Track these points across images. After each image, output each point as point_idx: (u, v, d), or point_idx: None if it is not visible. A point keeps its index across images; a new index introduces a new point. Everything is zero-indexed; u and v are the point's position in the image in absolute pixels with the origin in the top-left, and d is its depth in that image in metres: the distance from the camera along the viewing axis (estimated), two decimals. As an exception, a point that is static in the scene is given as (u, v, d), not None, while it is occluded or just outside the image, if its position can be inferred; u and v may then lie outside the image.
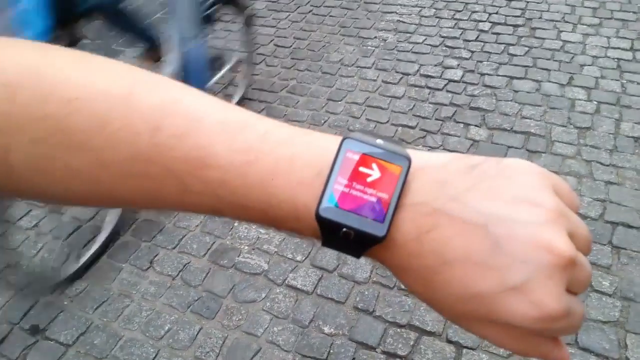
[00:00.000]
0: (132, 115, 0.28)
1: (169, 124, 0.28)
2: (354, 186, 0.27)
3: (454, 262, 0.26)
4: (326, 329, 1.54)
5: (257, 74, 2.64)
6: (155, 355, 1.52)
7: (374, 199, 0.27)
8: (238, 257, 1.77)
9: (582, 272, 0.26)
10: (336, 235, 0.28)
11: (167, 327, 1.58)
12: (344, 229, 0.27)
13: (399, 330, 1.52)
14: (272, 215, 0.29)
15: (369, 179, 0.27)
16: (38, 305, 1.67)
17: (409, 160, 0.28)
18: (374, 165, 0.28)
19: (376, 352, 1.48)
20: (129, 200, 0.30)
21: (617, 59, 2.48)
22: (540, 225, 0.25)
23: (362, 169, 0.28)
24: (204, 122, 0.29)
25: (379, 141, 0.29)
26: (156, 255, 1.80)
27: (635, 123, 2.13)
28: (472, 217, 0.26)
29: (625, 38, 2.61)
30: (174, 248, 1.82)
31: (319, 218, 0.27)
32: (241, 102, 2.47)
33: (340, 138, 0.29)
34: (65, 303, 1.67)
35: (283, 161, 0.28)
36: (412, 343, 1.48)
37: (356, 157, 0.28)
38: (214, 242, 1.82)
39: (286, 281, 1.68)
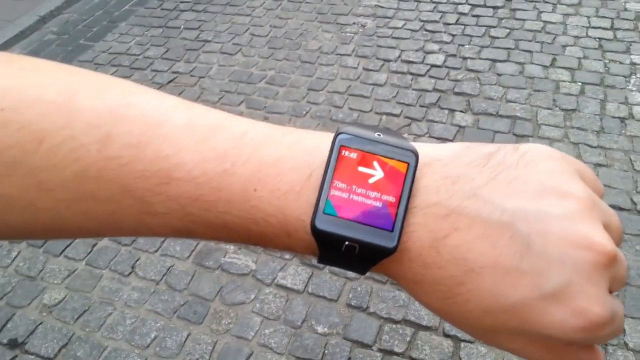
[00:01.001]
0: (75, 124, 0.23)
1: (121, 131, 0.23)
2: (354, 190, 0.24)
3: (479, 270, 0.22)
4: (319, 329, 1.50)
5: (234, 65, 2.56)
6: (142, 365, 1.46)
7: (379, 204, 0.23)
8: (224, 257, 1.71)
9: (622, 269, 0.23)
10: (337, 251, 0.24)
11: (153, 335, 1.52)
12: (347, 243, 0.23)
13: (394, 326, 1.48)
14: (257, 232, 0.24)
15: (371, 180, 0.24)
16: (15, 317, 1.59)
17: (415, 154, 0.24)
18: (375, 164, 0.24)
19: (372, 350, 1.44)
20: (78, 229, 0.25)
21: (599, 38, 2.47)
22: (574, 219, 0.22)
23: (361, 168, 0.24)
24: (166, 127, 0.24)
25: (378, 134, 0.25)
26: (137, 260, 1.72)
27: (620, 103, 2.11)
28: (495, 216, 0.22)
29: (605, 17, 2.60)
30: (155, 251, 1.75)
31: (316, 231, 0.23)
32: (218, 96, 2.39)
33: (331, 135, 0.25)
34: (44, 314, 1.59)
35: (266, 167, 0.24)
36: (408, 339, 1.45)
37: (354, 155, 0.24)
38: (197, 243, 1.76)
39: (275, 281, 1.63)
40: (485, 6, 2.78)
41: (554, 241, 0.22)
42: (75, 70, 0.25)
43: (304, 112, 2.25)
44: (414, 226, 0.23)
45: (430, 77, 2.36)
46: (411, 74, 2.39)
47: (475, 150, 0.25)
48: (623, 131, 1.99)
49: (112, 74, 2.40)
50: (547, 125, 2.06)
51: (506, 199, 0.23)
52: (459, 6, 2.80)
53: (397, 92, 2.30)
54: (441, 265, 0.23)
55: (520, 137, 2.01)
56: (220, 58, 2.63)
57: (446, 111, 2.18)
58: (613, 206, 1.73)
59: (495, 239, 0.22)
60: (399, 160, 0.24)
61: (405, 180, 0.24)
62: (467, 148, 0.25)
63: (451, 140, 2.00)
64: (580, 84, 2.23)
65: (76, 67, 0.26)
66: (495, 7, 2.76)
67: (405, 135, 2.07)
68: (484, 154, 0.24)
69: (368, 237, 0.23)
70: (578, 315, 0.22)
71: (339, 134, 0.24)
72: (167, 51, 2.72)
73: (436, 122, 2.13)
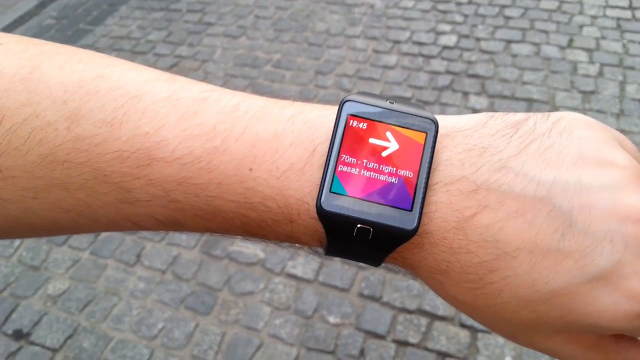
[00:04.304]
0: (39, 100, 0.20)
1: (92, 107, 0.20)
2: (366, 165, 0.21)
3: (514, 253, 0.20)
4: (331, 319, 1.45)
5: (238, 49, 2.49)
6: (150, 356, 1.42)
7: (394, 180, 0.21)
8: (231, 246, 1.66)
9: None
10: (348, 236, 0.21)
11: (160, 326, 1.48)
12: (359, 225, 0.20)
13: (408, 316, 1.43)
14: (254, 219, 0.21)
15: (385, 153, 0.21)
16: (20, 308, 1.55)
17: (434, 123, 0.21)
18: (389, 134, 0.21)
19: (386, 341, 1.39)
20: (51, 223, 0.22)
21: (617, 18, 2.38)
22: (620, 190, 0.20)
23: (373, 140, 0.21)
24: (144, 101, 0.21)
25: (390, 102, 0.22)
26: (143, 249, 1.68)
27: (641, 84, 2.04)
28: (529, 189, 0.20)
29: (623, -5, 2.51)
30: (161, 240, 1.70)
31: (322, 213, 0.20)
32: (223, 80, 2.33)
33: (335, 107, 0.22)
34: (49, 305, 1.56)
35: (263, 143, 0.21)
36: (423, 329, 1.40)
37: (363, 126, 0.21)
38: (205, 231, 1.71)
39: (285, 270, 1.58)
40: (498, -15, 2.70)
41: (599, 215, 0.19)
42: (40, 42, 0.22)
43: (313, 97, 2.19)
44: (436, 205, 0.21)
45: (443, 58, 2.29)
46: (422, 55, 2.32)
47: (501, 119, 0.22)
48: (644, 113, 1.93)
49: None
50: (564, 107, 1.99)
51: (541, 170, 0.20)
52: (471, -15, 2.72)
53: (408, 75, 2.23)
54: (469, 249, 0.20)
55: (537, 121, 1.95)
56: (224, 41, 2.56)
57: (460, 94, 2.11)
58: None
59: (532, 216, 0.20)
60: (415, 130, 0.21)
61: (424, 152, 0.21)
62: (492, 117, 0.22)
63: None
64: (598, 65, 2.15)
65: (42, 40, 0.22)
66: (508, -14, 2.67)
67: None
68: (512, 123, 0.22)
69: (383, 218, 0.20)
70: (632, 299, 0.19)
71: (346, 102, 0.21)
72: (169, 35, 2.66)
73: (449, 105, 2.07)
